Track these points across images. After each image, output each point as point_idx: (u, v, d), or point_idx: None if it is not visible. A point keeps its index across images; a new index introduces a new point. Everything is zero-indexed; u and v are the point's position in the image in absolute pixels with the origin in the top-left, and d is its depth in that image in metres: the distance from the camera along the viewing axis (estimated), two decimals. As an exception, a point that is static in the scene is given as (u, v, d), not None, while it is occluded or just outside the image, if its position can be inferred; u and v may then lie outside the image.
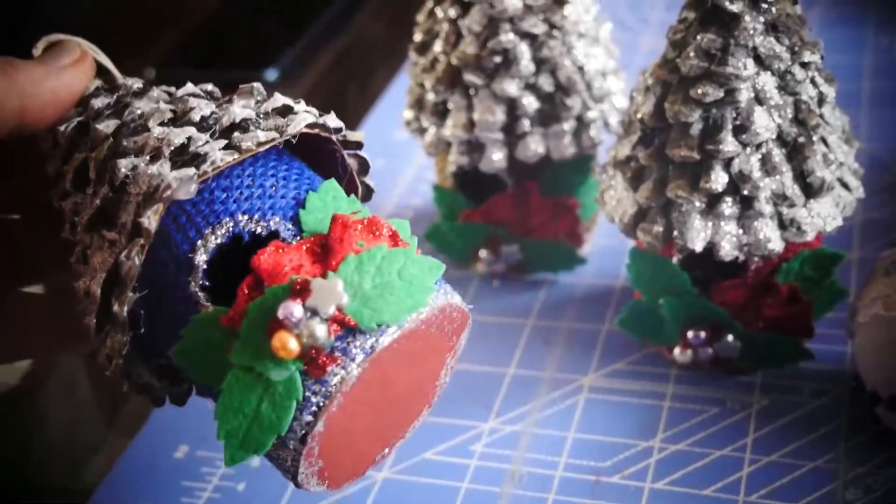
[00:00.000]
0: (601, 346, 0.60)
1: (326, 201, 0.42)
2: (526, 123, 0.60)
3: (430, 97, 0.62)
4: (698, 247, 0.51)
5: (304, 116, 0.43)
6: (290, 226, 0.41)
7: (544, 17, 0.60)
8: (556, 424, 0.56)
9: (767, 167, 0.51)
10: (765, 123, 0.50)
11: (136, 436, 0.59)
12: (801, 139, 0.51)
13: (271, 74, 0.94)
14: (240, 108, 0.43)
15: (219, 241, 0.41)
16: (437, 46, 0.62)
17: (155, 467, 0.57)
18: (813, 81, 0.52)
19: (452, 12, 0.61)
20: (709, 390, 0.56)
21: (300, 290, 0.38)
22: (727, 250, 0.51)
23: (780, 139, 0.51)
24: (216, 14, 1.08)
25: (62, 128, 0.45)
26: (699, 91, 0.50)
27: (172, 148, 0.41)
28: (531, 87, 0.60)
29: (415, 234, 0.49)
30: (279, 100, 0.44)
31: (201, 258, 0.41)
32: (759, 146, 0.51)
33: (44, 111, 0.45)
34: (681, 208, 0.52)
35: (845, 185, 0.53)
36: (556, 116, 0.60)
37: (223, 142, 0.41)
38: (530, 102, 0.60)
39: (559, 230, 0.64)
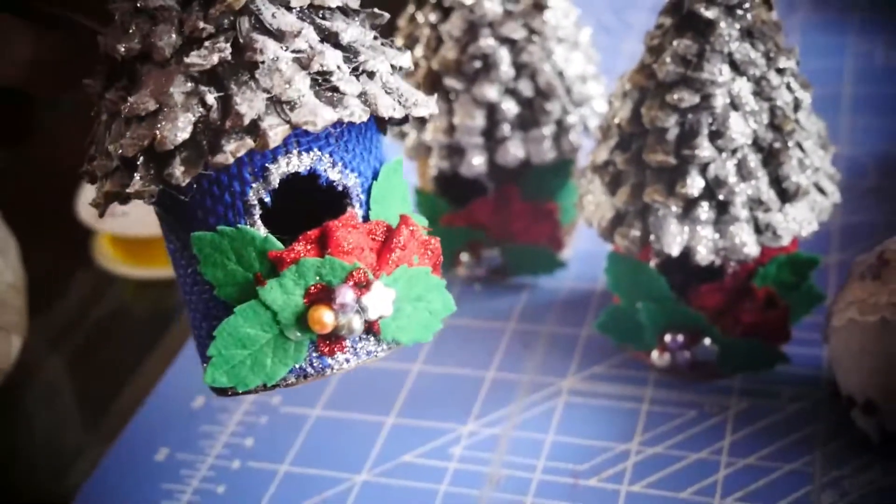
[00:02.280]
0: (580, 349, 0.61)
1: (391, 179, 0.44)
2: (506, 128, 0.60)
3: (411, 101, 0.62)
4: (675, 251, 0.51)
5: (426, 104, 0.43)
6: (361, 191, 0.42)
7: (524, 22, 0.60)
8: (535, 427, 0.56)
9: (743, 172, 0.51)
10: (740, 129, 0.51)
11: (117, 439, 0.59)
12: (777, 144, 0.51)
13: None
14: (381, 61, 0.42)
15: (299, 168, 0.41)
16: (418, 51, 0.62)
17: (135, 470, 0.57)
18: (788, 87, 0.52)
19: (433, 17, 0.61)
20: (686, 394, 0.57)
21: (362, 285, 0.41)
22: (703, 255, 0.52)
23: (756, 144, 0.52)
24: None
25: None
26: (675, 97, 0.51)
27: (318, 68, 0.40)
28: (511, 92, 0.60)
29: None
30: (405, 59, 0.44)
31: (277, 173, 0.41)
32: (734, 151, 0.51)
33: None
34: (657, 213, 0.52)
35: (821, 190, 0.54)
36: (536, 121, 0.61)
37: (358, 86, 0.41)
38: (510, 107, 0.60)
39: (539, 234, 0.64)
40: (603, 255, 0.57)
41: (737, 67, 0.51)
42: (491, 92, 0.60)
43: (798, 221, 0.53)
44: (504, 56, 0.60)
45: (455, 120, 0.60)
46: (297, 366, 0.42)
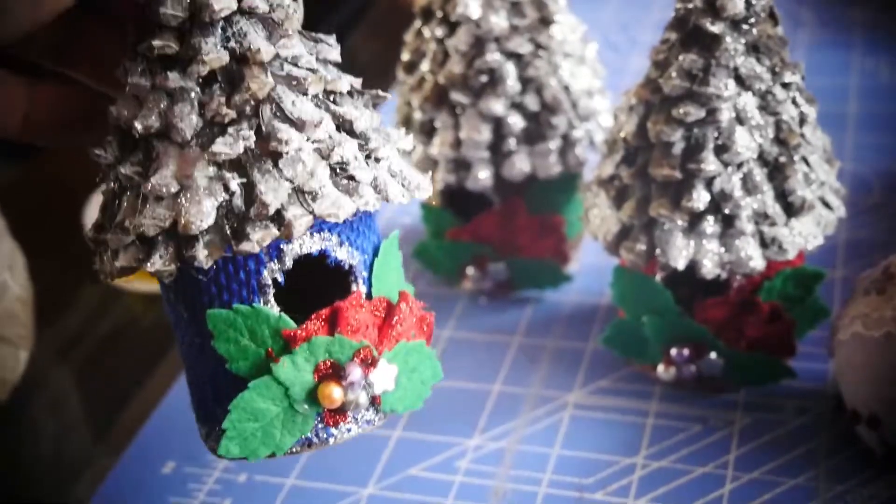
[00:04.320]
0: (586, 363, 0.61)
1: (389, 255, 0.46)
2: (512, 142, 0.61)
3: (418, 116, 0.63)
4: (680, 265, 0.52)
5: (426, 187, 0.45)
6: (363, 268, 0.45)
7: (530, 37, 0.60)
8: (541, 441, 0.56)
9: (749, 186, 0.51)
10: (746, 143, 0.51)
11: (124, 452, 0.59)
12: (782, 159, 0.52)
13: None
14: (389, 147, 0.44)
15: (311, 249, 0.43)
16: (425, 66, 0.62)
17: (142, 483, 0.57)
18: (794, 102, 0.52)
19: (439, 32, 0.61)
20: (692, 408, 0.57)
21: (368, 362, 0.44)
22: (709, 268, 0.52)
23: (762, 159, 0.52)
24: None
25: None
26: (681, 111, 0.51)
27: (339, 159, 0.42)
28: (517, 107, 0.61)
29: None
30: (407, 143, 0.45)
31: (290, 254, 0.43)
32: (740, 165, 0.51)
33: None
34: (663, 227, 0.52)
35: (827, 205, 0.54)
36: (542, 135, 0.61)
37: (371, 173, 0.43)
38: (516, 121, 0.60)
39: (545, 248, 0.64)
40: (609, 268, 0.57)
41: (742, 82, 0.51)
42: (497, 106, 0.60)
43: (804, 235, 0.53)
44: (510, 70, 0.60)
45: (461, 134, 0.61)
46: (304, 436, 0.44)
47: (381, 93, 0.46)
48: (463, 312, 0.66)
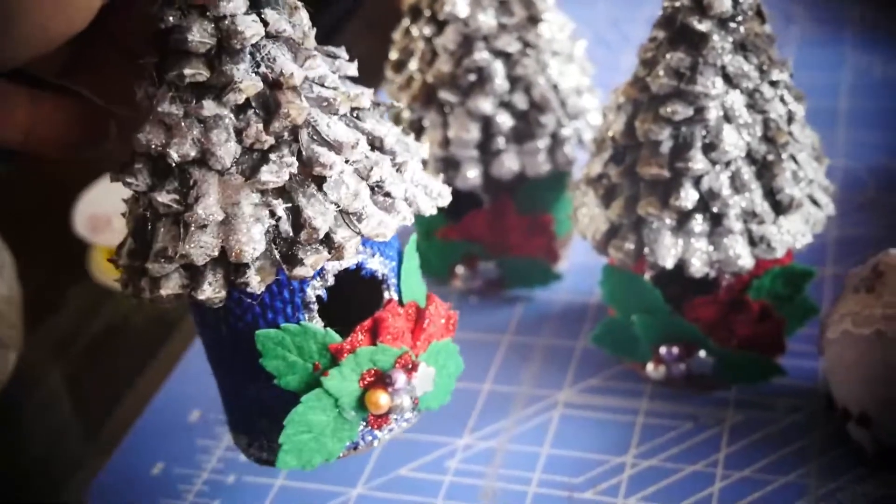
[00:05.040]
0: (576, 362, 0.61)
1: (411, 260, 0.48)
2: (501, 141, 0.61)
3: (406, 115, 0.62)
4: (669, 264, 0.51)
5: (446, 194, 0.47)
6: (393, 276, 0.47)
7: (518, 35, 0.60)
8: (531, 440, 0.56)
9: (737, 185, 0.51)
10: (734, 141, 0.51)
11: (114, 453, 0.59)
12: (771, 157, 0.51)
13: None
14: (414, 159, 0.45)
15: (350, 263, 0.45)
16: (413, 65, 0.62)
17: (132, 484, 0.57)
18: (782, 99, 0.52)
19: (427, 31, 0.61)
20: (682, 406, 0.57)
21: (410, 367, 0.46)
22: (697, 267, 0.52)
23: (750, 157, 0.52)
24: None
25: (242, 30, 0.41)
26: (669, 109, 0.51)
27: (377, 179, 0.43)
28: (506, 105, 0.60)
29: None
30: (425, 151, 0.47)
31: (332, 271, 0.45)
32: (728, 164, 0.51)
33: None
34: (651, 225, 0.52)
35: (815, 202, 0.54)
36: (531, 134, 0.61)
37: (402, 188, 0.44)
38: (505, 120, 0.60)
39: (535, 247, 0.64)
40: (598, 267, 0.57)
41: (730, 80, 0.51)
42: (485, 105, 0.60)
43: (792, 234, 0.52)
44: (498, 69, 0.60)
45: (450, 133, 0.60)
46: (351, 441, 0.47)
47: (395, 103, 0.47)
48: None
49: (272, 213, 0.42)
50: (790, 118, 0.52)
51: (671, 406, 0.57)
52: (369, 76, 1.01)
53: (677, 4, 0.51)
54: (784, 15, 0.96)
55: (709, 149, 0.51)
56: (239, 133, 0.42)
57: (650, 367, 0.56)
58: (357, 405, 0.46)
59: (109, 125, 0.46)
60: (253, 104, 0.42)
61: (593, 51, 0.68)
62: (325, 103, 0.43)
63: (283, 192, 0.42)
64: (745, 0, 0.50)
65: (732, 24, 0.50)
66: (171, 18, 0.41)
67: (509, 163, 0.61)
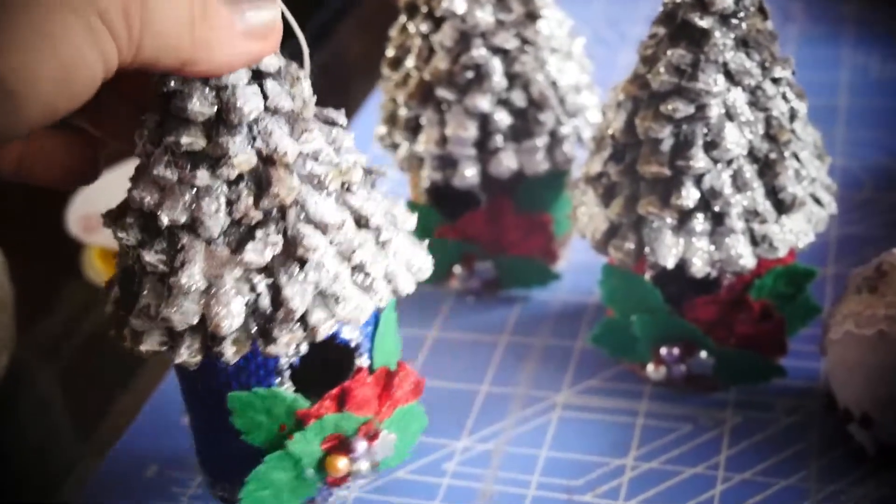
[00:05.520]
0: (575, 362, 0.60)
1: (388, 325, 0.49)
2: (499, 139, 0.60)
3: (403, 112, 0.62)
4: (670, 263, 0.51)
5: (428, 268, 0.48)
6: (367, 342, 0.48)
7: (517, 32, 0.59)
8: (529, 442, 0.55)
9: (739, 183, 0.51)
10: (735, 139, 0.50)
11: (108, 455, 0.58)
12: (773, 155, 0.51)
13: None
14: (399, 235, 0.46)
15: (325, 334, 0.44)
16: (410, 62, 0.62)
17: (126, 486, 0.56)
18: (784, 97, 0.52)
19: (424, 27, 0.60)
20: (682, 407, 0.56)
21: (372, 435, 0.48)
22: (699, 267, 0.51)
23: (752, 155, 0.51)
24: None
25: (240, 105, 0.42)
26: (669, 107, 0.50)
27: (358, 261, 0.44)
28: (504, 103, 0.60)
29: None
30: (411, 222, 0.48)
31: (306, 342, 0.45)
32: (730, 162, 0.51)
33: (199, 71, 0.38)
34: (652, 225, 0.51)
35: (818, 201, 0.53)
36: (529, 132, 0.60)
37: (384, 266, 0.45)
38: (503, 118, 0.60)
39: (533, 246, 0.64)
40: (597, 266, 0.56)
41: (731, 77, 0.50)
42: (483, 103, 0.59)
43: (795, 233, 0.52)
44: (496, 66, 0.59)
45: (447, 131, 0.60)
46: (308, 497, 0.49)
47: (380, 169, 0.47)
48: (450, 312, 0.65)
49: (252, 288, 0.42)
50: (792, 116, 0.52)
51: (671, 407, 0.56)
52: (365, 74, 1.00)
53: (678, 0, 0.50)
54: (782, 13, 0.95)
55: (710, 147, 0.50)
56: (230, 204, 0.42)
57: (650, 367, 0.56)
58: (317, 467, 0.48)
59: (100, 160, 0.46)
60: (246, 178, 0.42)
61: (591, 49, 0.67)
62: (316, 181, 0.43)
63: (265, 268, 0.43)
64: (747, -4, 0.50)
65: (734, 21, 0.50)
66: (172, 83, 0.41)
67: (507, 161, 0.60)
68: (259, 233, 0.42)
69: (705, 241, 0.51)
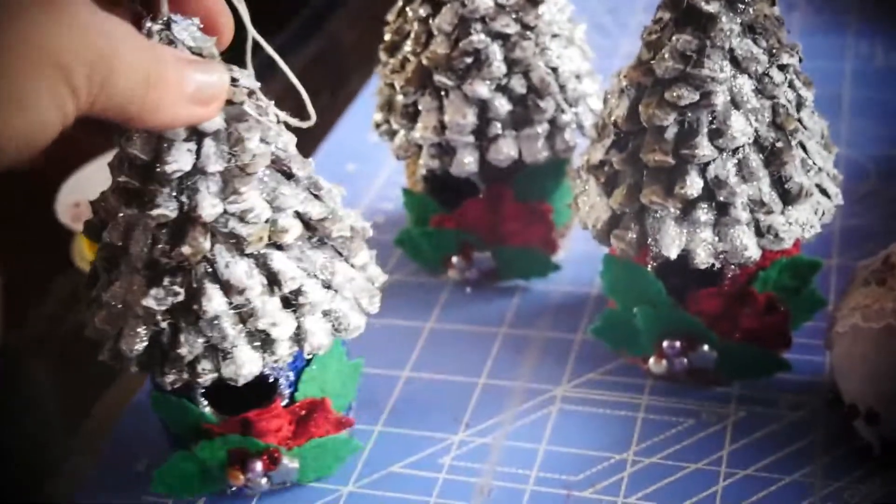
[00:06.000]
0: (575, 355, 0.59)
1: (326, 364, 0.51)
2: (498, 126, 0.58)
3: (400, 99, 0.60)
4: (673, 254, 0.50)
5: (357, 327, 0.49)
6: (291, 375, 0.50)
7: (517, 17, 0.58)
8: (528, 436, 0.54)
9: (744, 173, 0.49)
10: (741, 128, 0.49)
11: (98, 449, 0.57)
12: (779, 144, 0.50)
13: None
14: (320, 290, 0.47)
15: (209, 382, 0.47)
16: (408, 46, 0.60)
17: (116, 481, 0.55)
18: (791, 85, 0.50)
19: (423, 11, 0.59)
20: (684, 401, 0.55)
21: (272, 460, 0.51)
22: (702, 258, 0.50)
23: (758, 144, 0.50)
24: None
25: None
26: (674, 94, 0.49)
27: (254, 327, 0.46)
28: (503, 89, 0.58)
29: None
30: (342, 273, 0.48)
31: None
32: (735, 151, 0.49)
33: (143, 127, 0.41)
34: (655, 214, 0.50)
35: (824, 192, 0.52)
36: (529, 119, 0.59)
37: (293, 324, 0.47)
38: (502, 104, 0.58)
39: (533, 236, 0.62)
40: (598, 257, 0.55)
41: (738, 64, 0.49)
42: (482, 89, 0.58)
43: (800, 223, 0.51)
44: (496, 52, 0.58)
45: (445, 118, 0.58)
46: (218, 489, 0.52)
47: (366, 230, 0.50)
48: (447, 302, 0.64)
49: (157, 323, 0.45)
50: (799, 104, 0.51)
51: (673, 401, 0.55)
52: (358, 60, 0.99)
53: (684, -16, 0.49)
54: (785, 2, 0.94)
55: (715, 135, 0.49)
56: (154, 243, 0.45)
57: (652, 361, 0.55)
58: (221, 469, 0.51)
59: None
60: (167, 226, 0.45)
61: (590, 38, 0.66)
62: (233, 240, 0.45)
63: (170, 309, 0.45)
64: (755, -20, 0.48)
65: (741, 6, 0.48)
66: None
67: (507, 149, 0.59)
68: (167, 280, 0.45)
69: (709, 232, 0.50)
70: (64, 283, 0.74)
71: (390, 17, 0.62)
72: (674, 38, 0.49)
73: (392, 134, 0.62)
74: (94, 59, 0.35)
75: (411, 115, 0.60)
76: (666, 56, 0.49)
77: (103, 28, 0.36)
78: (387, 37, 0.62)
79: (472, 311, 0.63)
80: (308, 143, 0.83)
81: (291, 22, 1.02)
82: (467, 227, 0.62)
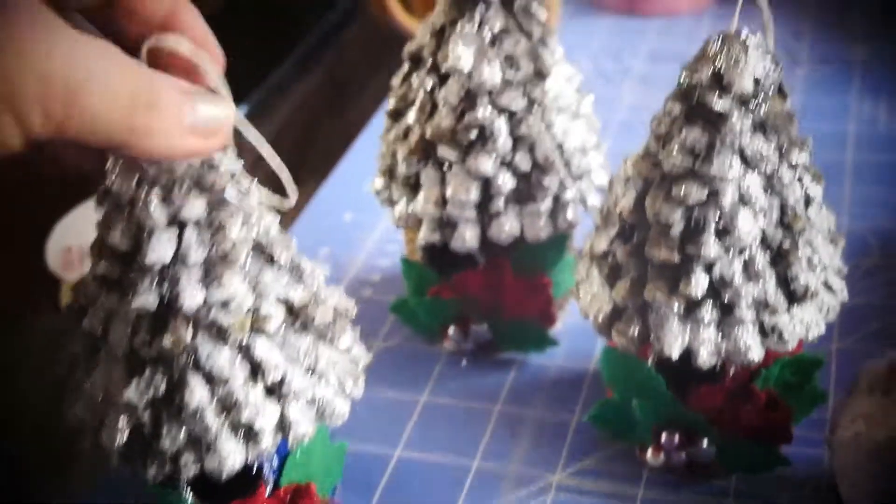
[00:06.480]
0: (571, 438, 0.58)
1: (311, 449, 0.50)
2: (500, 202, 0.58)
3: (402, 169, 0.59)
4: (675, 353, 0.49)
5: (342, 413, 0.48)
6: (277, 459, 0.49)
7: (524, 91, 0.57)
8: (521, 524, 0.53)
9: (750, 273, 0.48)
10: (748, 228, 0.48)
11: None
12: (786, 244, 0.49)
13: (241, 110, 0.92)
14: (303, 377, 0.46)
15: (192, 475, 0.45)
16: (412, 116, 0.59)
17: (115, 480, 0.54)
18: (800, 180, 0.50)
19: (429, 82, 0.58)
20: (681, 495, 0.54)
21: None
22: (705, 358, 0.49)
23: (765, 243, 0.49)
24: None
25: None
26: (682, 191, 0.48)
27: (238, 420, 0.45)
28: (507, 165, 0.57)
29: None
30: (325, 357, 0.47)
31: None
32: (741, 251, 0.48)
33: (135, 155, 0.39)
34: (658, 311, 0.49)
35: (829, 287, 0.51)
36: (532, 196, 0.58)
37: (276, 412, 0.45)
38: (506, 181, 0.57)
39: (531, 310, 0.61)
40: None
41: (748, 162, 0.48)
42: (486, 165, 0.57)
43: (805, 323, 0.50)
44: (502, 127, 0.57)
45: (447, 192, 0.57)
46: None
47: (349, 312, 0.49)
48: (441, 374, 0.63)
49: (137, 417, 0.44)
50: (808, 201, 0.50)
51: (670, 494, 0.54)
52: (358, 95, 0.97)
53: (695, 79, 0.48)
54: (788, 56, 0.93)
55: (722, 234, 0.48)
56: (133, 333, 0.44)
57: (650, 453, 0.54)
58: None
59: None
60: (146, 316, 0.44)
61: (592, 83, 0.65)
62: (215, 330, 0.44)
63: (151, 404, 0.44)
64: (766, 78, 0.48)
65: (753, 104, 0.48)
66: (105, 208, 0.44)
67: (509, 226, 0.58)
68: (148, 370, 0.44)
69: (712, 331, 0.49)
70: (51, 326, 0.73)
71: (395, 81, 0.61)
72: (683, 132, 0.48)
73: (392, 202, 0.61)
74: (55, 80, 0.34)
75: (413, 186, 0.59)
76: (674, 151, 0.48)
77: (73, 48, 0.34)
78: (391, 103, 0.61)
79: (468, 384, 0.62)
80: (306, 188, 0.83)
81: (292, 54, 1.01)
82: (465, 298, 0.61)
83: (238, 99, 0.95)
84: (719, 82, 0.47)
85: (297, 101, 0.98)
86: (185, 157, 0.41)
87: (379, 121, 0.87)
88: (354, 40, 1.06)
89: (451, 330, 0.63)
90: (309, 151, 0.89)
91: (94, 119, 0.35)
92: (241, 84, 0.94)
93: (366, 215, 0.77)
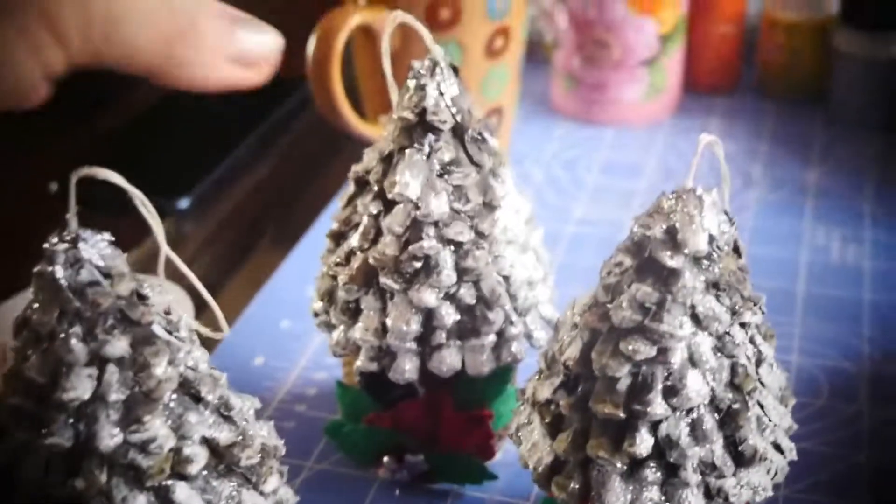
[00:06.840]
0: (504, 584, 0.55)
1: None
2: (442, 335, 0.55)
3: (342, 294, 0.57)
4: (616, 514, 0.47)
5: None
6: None
7: (472, 224, 0.55)
8: None
9: (697, 434, 0.47)
10: (697, 388, 0.46)
11: None
12: (736, 406, 0.47)
13: (183, 203, 0.90)
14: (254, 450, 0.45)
15: None
16: (354, 240, 0.57)
17: None
18: (752, 340, 0.48)
19: (373, 208, 0.56)
20: None
21: None
22: (647, 521, 0.47)
23: (713, 403, 0.47)
24: (125, 137, 1.03)
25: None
26: (630, 346, 0.46)
27: None
28: (451, 298, 0.55)
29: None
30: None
31: None
32: (689, 411, 0.47)
33: (171, 83, 0.39)
34: (601, 468, 0.47)
35: (778, 448, 0.50)
36: (476, 330, 0.56)
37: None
38: (449, 313, 0.55)
39: (470, 443, 0.59)
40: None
41: (699, 321, 0.46)
42: (429, 297, 0.55)
43: (752, 486, 0.48)
44: (447, 259, 0.55)
45: (388, 321, 0.55)
46: None
47: (279, 468, 0.47)
48: (374, 503, 0.60)
49: None
50: (759, 361, 0.48)
51: None
52: (303, 192, 0.95)
53: (648, 233, 0.46)
54: (743, 176, 0.93)
55: (670, 393, 0.46)
56: (46, 473, 0.42)
57: None
58: None
59: None
60: (62, 455, 0.41)
61: (543, 195, 0.63)
62: (132, 472, 0.42)
63: None
64: (721, 237, 0.46)
65: (706, 262, 0.46)
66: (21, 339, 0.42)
67: (450, 359, 0.56)
68: None
69: (656, 491, 0.47)
70: None
71: (340, 202, 0.59)
72: (633, 286, 0.46)
73: (330, 327, 0.58)
74: (95, 7, 0.34)
75: (352, 313, 0.57)
76: (624, 304, 0.46)
77: None
78: (333, 225, 0.59)
79: (400, 518, 0.60)
80: (245, 290, 0.80)
81: (238, 148, 0.99)
82: (402, 429, 0.59)
83: (181, 191, 0.92)
84: (673, 239, 0.46)
85: (242, 196, 0.96)
86: (223, 88, 0.40)
87: (323, 223, 0.85)
88: (304, 136, 1.05)
89: (386, 459, 0.60)
90: (250, 252, 0.87)
91: (132, 49, 0.35)
92: (184, 176, 0.93)
93: (303, 324, 0.75)
